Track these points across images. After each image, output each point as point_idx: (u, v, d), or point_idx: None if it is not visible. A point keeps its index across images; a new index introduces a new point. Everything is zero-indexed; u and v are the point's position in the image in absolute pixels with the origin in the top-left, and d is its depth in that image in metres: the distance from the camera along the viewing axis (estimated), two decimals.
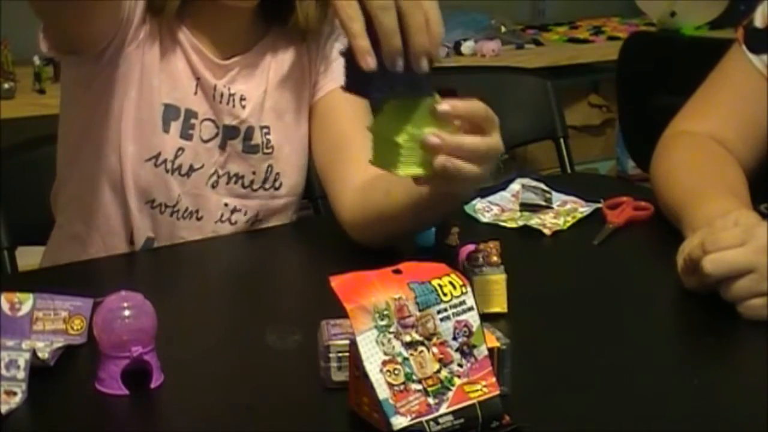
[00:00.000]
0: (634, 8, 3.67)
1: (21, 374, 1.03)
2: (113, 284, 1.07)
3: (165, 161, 1.47)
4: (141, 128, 1.47)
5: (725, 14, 3.43)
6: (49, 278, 1.40)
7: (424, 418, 0.91)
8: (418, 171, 1.16)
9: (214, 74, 1.50)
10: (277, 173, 1.56)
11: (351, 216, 1.46)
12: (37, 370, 1.04)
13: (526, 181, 1.60)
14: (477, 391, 0.94)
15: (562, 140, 2.09)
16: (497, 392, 0.94)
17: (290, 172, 1.57)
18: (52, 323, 1.12)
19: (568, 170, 2.07)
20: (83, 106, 1.49)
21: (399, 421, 0.91)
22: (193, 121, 1.49)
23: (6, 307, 1.10)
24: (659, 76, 2.88)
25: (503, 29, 3.50)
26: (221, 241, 1.51)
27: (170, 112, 1.48)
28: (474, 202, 1.56)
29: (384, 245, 1.39)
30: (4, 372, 1.02)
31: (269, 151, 1.54)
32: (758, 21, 1.51)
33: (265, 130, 1.54)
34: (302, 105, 1.57)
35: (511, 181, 1.61)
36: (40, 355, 1.06)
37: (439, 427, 0.91)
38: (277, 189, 1.56)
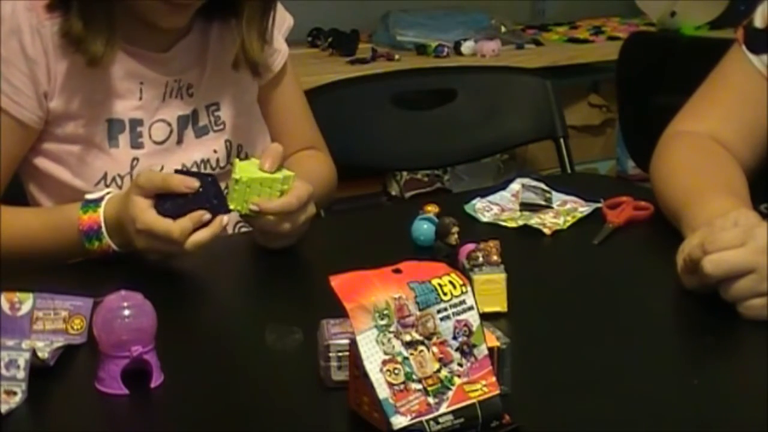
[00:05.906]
0: (634, 8, 3.66)
1: (21, 374, 1.03)
2: (113, 284, 1.07)
3: (115, 177, 1.48)
4: (81, 159, 1.48)
5: (725, 14, 3.42)
6: (49, 278, 1.39)
7: (424, 418, 0.91)
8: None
9: (163, 71, 1.51)
10: (239, 145, 1.58)
11: None
12: (37, 370, 1.04)
13: (526, 181, 1.60)
14: (477, 390, 0.94)
15: (562, 140, 2.09)
16: (497, 392, 0.94)
17: (254, 141, 1.60)
18: (52, 323, 1.12)
19: (568, 170, 2.06)
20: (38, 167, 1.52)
21: (399, 421, 0.91)
22: (139, 129, 1.50)
23: (6, 307, 1.10)
24: (659, 76, 2.88)
25: (503, 29, 3.49)
26: (221, 241, 1.51)
27: (115, 126, 1.48)
28: (474, 201, 1.55)
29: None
30: (4, 372, 1.02)
31: (220, 127, 1.56)
32: (758, 21, 1.50)
33: (213, 108, 1.56)
34: (245, 74, 1.57)
35: (511, 181, 1.61)
36: (40, 354, 1.06)
37: (439, 427, 0.91)
38: (247, 157, 1.56)
